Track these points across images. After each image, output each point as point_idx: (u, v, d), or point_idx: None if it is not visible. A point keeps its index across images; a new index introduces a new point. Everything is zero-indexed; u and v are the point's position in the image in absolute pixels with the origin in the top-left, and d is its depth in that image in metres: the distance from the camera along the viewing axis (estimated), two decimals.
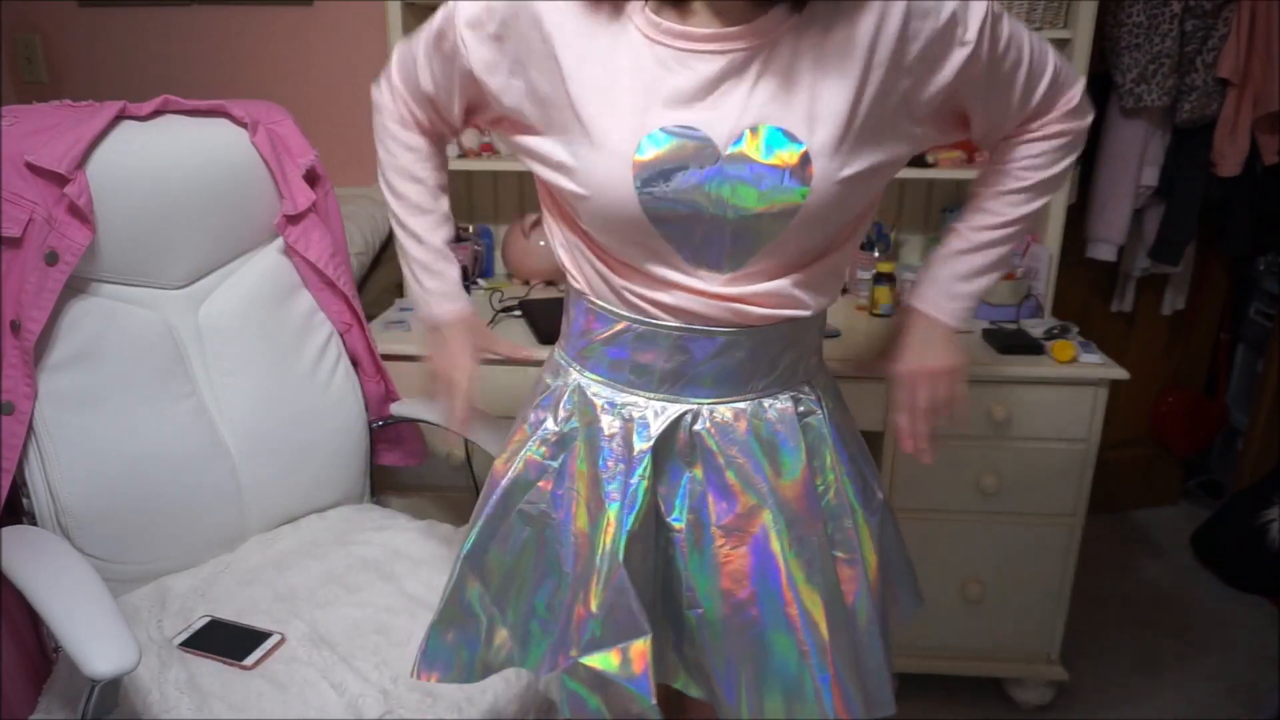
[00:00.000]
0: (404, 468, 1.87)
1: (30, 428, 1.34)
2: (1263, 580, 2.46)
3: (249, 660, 1.25)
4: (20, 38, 2.40)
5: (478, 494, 1.86)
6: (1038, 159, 1.03)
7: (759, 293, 0.95)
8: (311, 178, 1.64)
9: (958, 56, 0.89)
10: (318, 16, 2.34)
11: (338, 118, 2.37)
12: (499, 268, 2.30)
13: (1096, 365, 1.76)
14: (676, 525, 1.01)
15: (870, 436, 1.85)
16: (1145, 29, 2.10)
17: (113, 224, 1.41)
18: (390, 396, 1.76)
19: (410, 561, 1.48)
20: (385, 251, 2.30)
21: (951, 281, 1.07)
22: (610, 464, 1.00)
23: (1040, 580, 1.90)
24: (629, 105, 0.87)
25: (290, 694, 1.20)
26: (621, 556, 0.97)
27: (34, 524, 1.36)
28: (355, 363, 1.71)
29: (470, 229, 2.24)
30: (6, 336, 1.32)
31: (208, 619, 1.34)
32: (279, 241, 1.63)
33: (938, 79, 0.90)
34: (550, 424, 1.05)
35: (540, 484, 1.05)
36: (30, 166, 1.34)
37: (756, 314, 0.96)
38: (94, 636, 1.05)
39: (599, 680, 0.98)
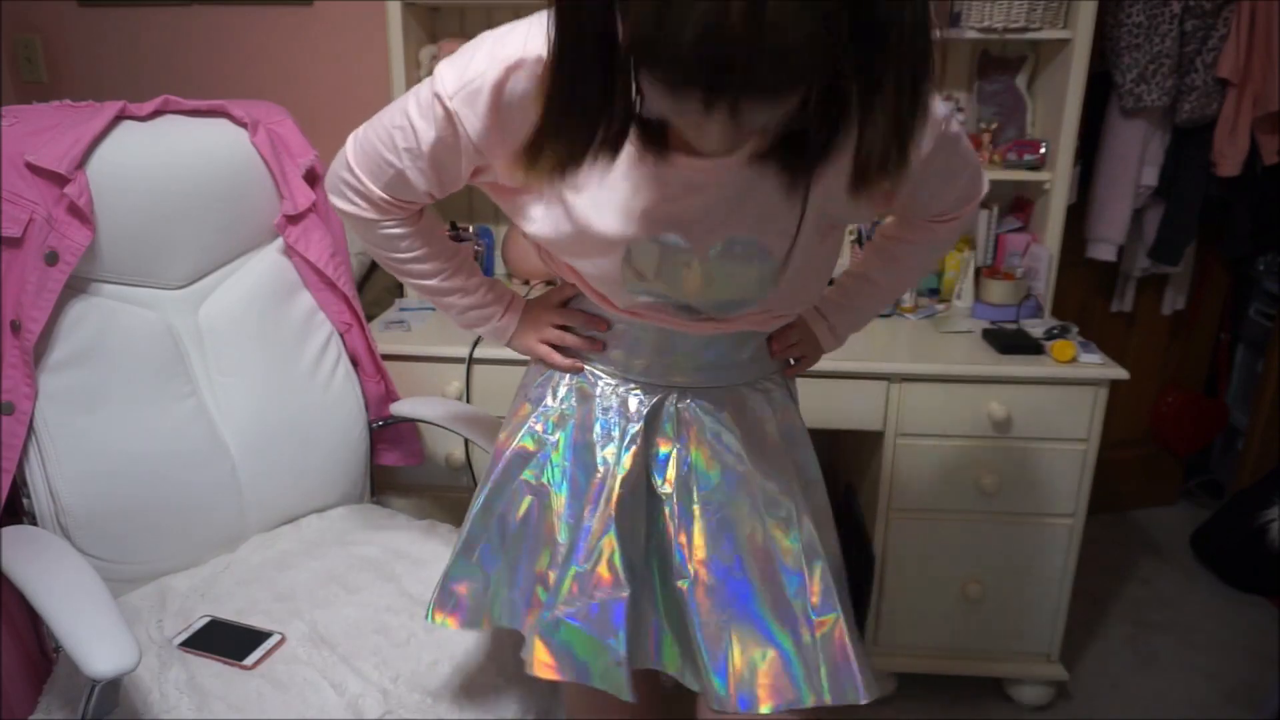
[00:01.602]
0: (404, 468, 1.87)
1: (30, 428, 1.34)
2: (1262, 580, 2.46)
3: (249, 660, 1.25)
4: (20, 38, 2.40)
5: None
6: (929, 251, 1.20)
7: (732, 327, 1.07)
8: (311, 178, 1.64)
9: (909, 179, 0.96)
10: (318, 16, 2.34)
11: (338, 118, 2.36)
12: (499, 267, 2.30)
13: (1096, 365, 1.76)
14: (664, 493, 1.09)
15: (870, 436, 1.86)
16: (1145, 29, 2.10)
17: (113, 224, 1.41)
18: (390, 396, 1.76)
19: (410, 561, 1.48)
20: None
21: (835, 325, 1.24)
22: (604, 433, 1.10)
23: (1040, 580, 1.90)
24: (621, 213, 0.94)
25: (290, 694, 1.20)
26: (613, 514, 1.06)
27: (34, 524, 1.36)
28: (355, 363, 1.71)
29: (470, 229, 2.24)
30: (6, 336, 1.32)
31: (208, 619, 1.34)
32: (279, 241, 1.63)
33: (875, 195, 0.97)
34: (550, 401, 1.14)
35: (539, 456, 1.12)
36: (30, 166, 1.34)
37: (736, 331, 1.09)
38: (94, 636, 1.05)
39: (572, 635, 1.05)
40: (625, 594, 1.05)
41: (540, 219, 0.98)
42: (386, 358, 1.77)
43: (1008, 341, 1.84)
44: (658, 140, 0.88)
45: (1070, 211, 2.06)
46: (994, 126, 2.08)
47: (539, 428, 1.13)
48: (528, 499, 1.12)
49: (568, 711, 1.35)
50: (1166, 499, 2.90)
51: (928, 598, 1.91)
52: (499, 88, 0.90)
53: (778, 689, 1.06)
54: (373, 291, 2.16)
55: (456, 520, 1.70)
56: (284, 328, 1.61)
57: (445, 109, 0.93)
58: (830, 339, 1.23)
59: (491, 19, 2.14)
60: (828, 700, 1.06)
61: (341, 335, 1.69)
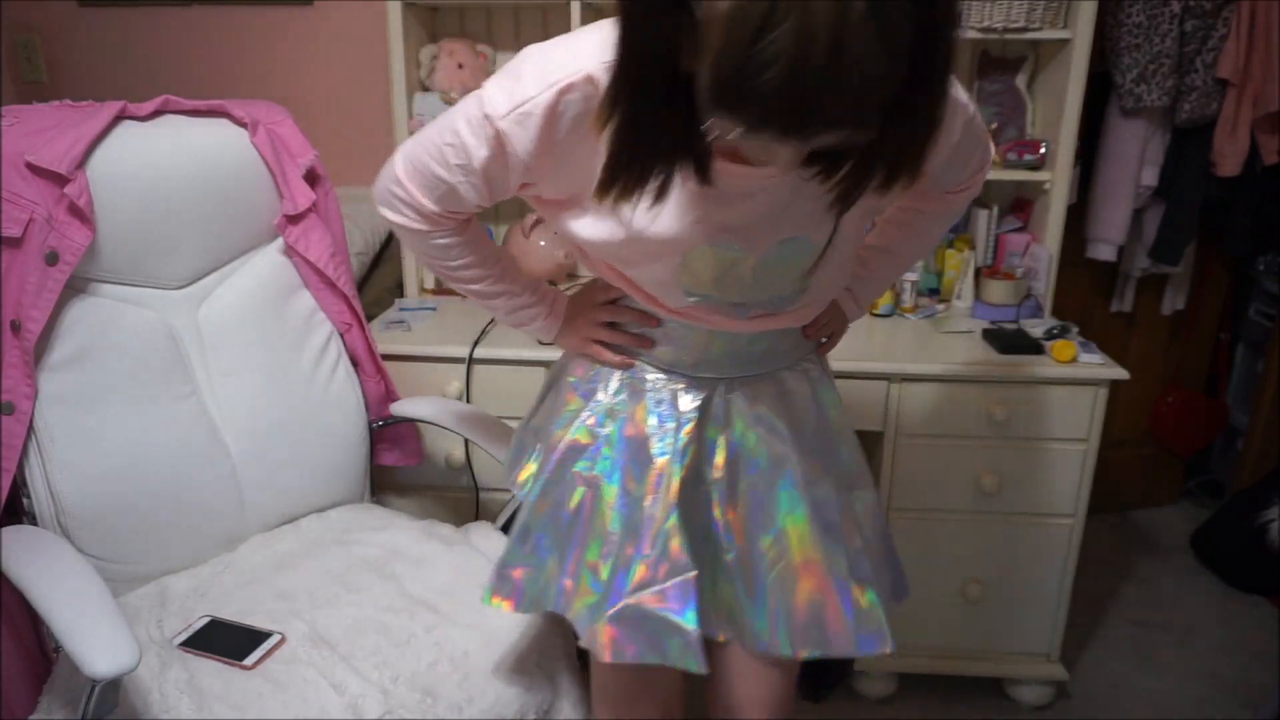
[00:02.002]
0: (404, 468, 1.87)
1: (30, 428, 1.34)
2: (1262, 580, 2.46)
3: (249, 660, 1.25)
4: (20, 38, 2.40)
5: (478, 494, 1.89)
6: (943, 219, 1.25)
7: (775, 324, 1.12)
8: (311, 178, 1.64)
9: (941, 155, 1.03)
10: (318, 16, 2.34)
11: (338, 118, 2.37)
12: None
13: (1096, 365, 1.76)
14: (714, 477, 1.14)
15: (870, 436, 1.86)
16: (1145, 29, 2.10)
17: (113, 224, 1.41)
18: (390, 396, 1.76)
19: (410, 561, 1.48)
20: (385, 251, 2.30)
21: (858, 296, 1.30)
22: (659, 425, 1.13)
23: (1040, 580, 1.90)
24: (679, 224, 0.96)
25: (290, 694, 1.20)
26: (675, 499, 1.09)
27: (34, 524, 1.36)
28: (355, 363, 1.71)
29: None
30: (6, 336, 1.32)
31: (208, 619, 1.34)
32: (279, 241, 1.63)
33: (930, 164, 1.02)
34: (601, 396, 1.16)
35: (592, 449, 1.15)
36: (30, 166, 1.34)
37: (776, 329, 1.13)
38: (94, 636, 1.06)
39: (645, 618, 1.09)
40: (693, 573, 1.09)
41: (591, 227, 1.00)
42: (386, 358, 1.77)
43: (1008, 341, 1.84)
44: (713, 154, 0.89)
45: (1070, 211, 2.05)
46: (994, 126, 2.08)
47: (591, 421, 1.16)
48: (580, 490, 1.15)
49: (596, 708, 1.34)
50: (1166, 499, 2.90)
51: (928, 598, 1.91)
52: (551, 111, 0.91)
53: (809, 637, 1.14)
54: (373, 291, 2.16)
55: (457, 520, 1.71)
56: (284, 328, 1.61)
57: (496, 129, 0.94)
58: (854, 308, 1.28)
59: (491, 19, 2.14)
60: (856, 652, 1.14)
61: (341, 335, 1.69)
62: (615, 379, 1.16)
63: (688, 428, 1.12)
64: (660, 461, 1.12)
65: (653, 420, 1.13)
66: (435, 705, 1.22)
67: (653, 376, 1.15)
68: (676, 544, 1.09)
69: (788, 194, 0.95)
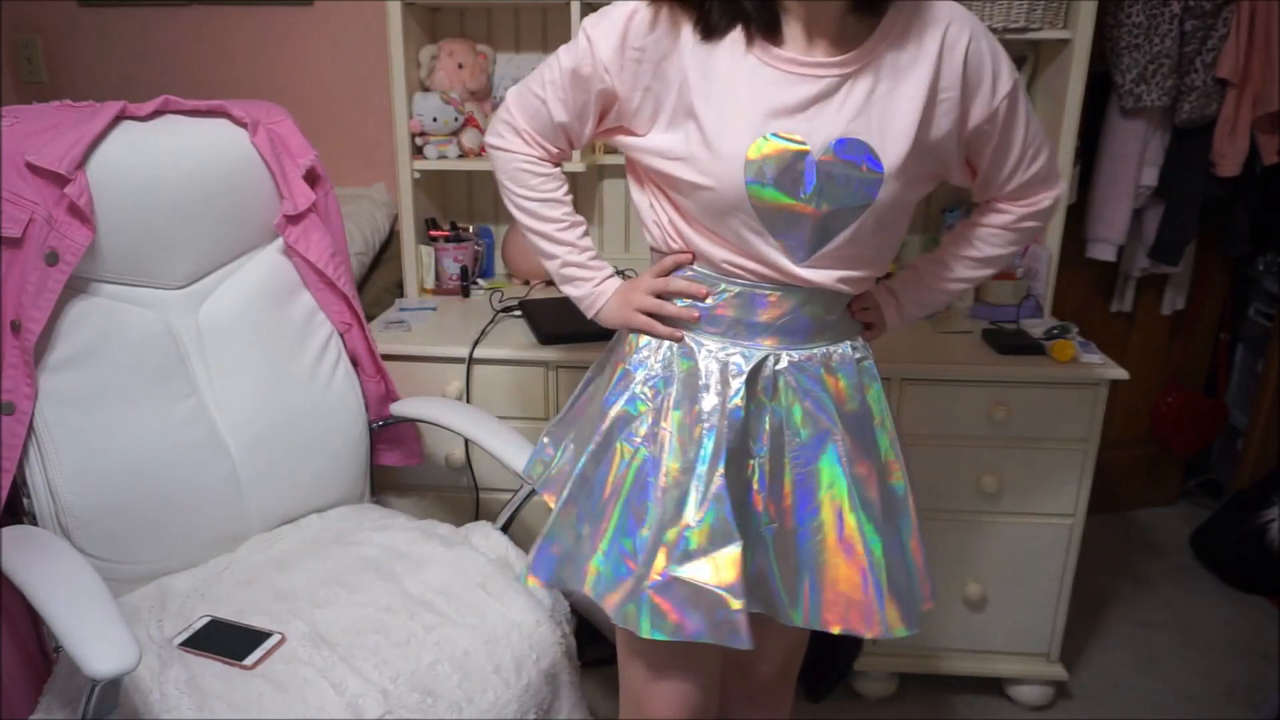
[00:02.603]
0: (404, 468, 1.87)
1: (30, 428, 1.34)
2: (1262, 580, 2.46)
3: (249, 660, 1.25)
4: (20, 38, 2.41)
5: (477, 494, 1.89)
6: (998, 235, 1.27)
7: (825, 277, 1.15)
8: (311, 178, 1.64)
9: (981, 109, 1.13)
10: (318, 16, 2.34)
11: (338, 118, 2.37)
12: (499, 268, 2.30)
13: (1096, 365, 1.76)
14: (760, 455, 1.16)
15: None
16: (1145, 29, 2.10)
17: (113, 224, 1.41)
18: (390, 396, 1.76)
19: (410, 561, 1.48)
20: (385, 251, 2.30)
21: (902, 303, 1.32)
22: (708, 396, 1.15)
23: (1040, 580, 1.90)
24: (744, 114, 1.07)
25: (290, 694, 1.20)
26: (721, 468, 1.11)
27: (34, 524, 1.36)
28: (355, 363, 1.71)
29: (470, 229, 2.24)
30: (6, 336, 1.32)
31: (208, 619, 1.34)
32: (279, 241, 1.63)
33: (967, 121, 1.13)
34: (653, 368, 1.20)
35: (639, 419, 1.18)
36: (30, 166, 1.34)
37: (825, 287, 1.16)
38: (94, 636, 1.06)
39: (690, 591, 1.10)
40: (738, 545, 1.10)
41: (667, 143, 1.11)
42: (386, 358, 1.77)
43: (1008, 341, 1.84)
44: (773, 30, 1.07)
45: (1070, 211, 2.06)
46: None
47: (644, 392, 1.18)
48: (625, 461, 1.18)
49: (626, 688, 1.30)
50: (1166, 499, 2.90)
51: None
52: (628, 18, 1.09)
53: (844, 616, 1.17)
54: (373, 291, 2.16)
55: (457, 520, 1.71)
56: (284, 328, 1.61)
57: (586, 36, 1.12)
58: (895, 317, 1.31)
59: (492, 19, 2.14)
60: (896, 631, 1.17)
61: (341, 335, 1.69)
62: (665, 350, 1.19)
63: (737, 399, 1.14)
64: (707, 432, 1.13)
65: (703, 392, 1.15)
66: (435, 705, 1.22)
67: (704, 349, 1.17)
68: (721, 515, 1.11)
69: (845, 89, 1.07)
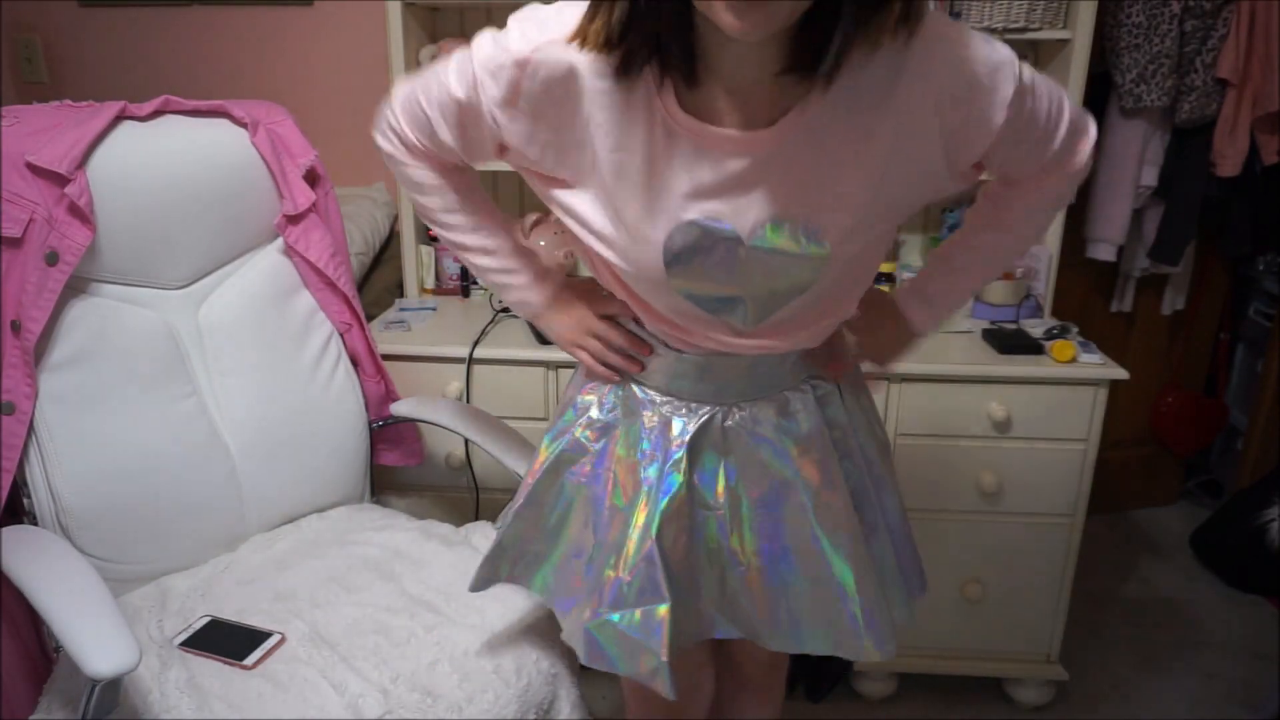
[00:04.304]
0: (404, 468, 1.87)
1: (30, 428, 1.34)
2: (1263, 580, 2.46)
3: (249, 660, 1.25)
4: (20, 38, 2.41)
5: (477, 494, 1.89)
6: (1035, 212, 1.10)
7: (776, 344, 1.05)
8: (311, 178, 1.64)
9: (984, 138, 0.91)
10: (318, 16, 2.34)
11: (338, 118, 2.37)
12: None
13: (1096, 365, 1.76)
14: (717, 509, 1.11)
15: None
16: (1145, 29, 2.10)
17: (113, 224, 1.41)
18: (390, 396, 1.76)
19: (410, 561, 1.48)
20: (385, 251, 2.30)
21: (930, 294, 1.17)
22: (649, 452, 1.10)
23: (1040, 580, 1.90)
24: (659, 196, 0.92)
25: (290, 694, 1.20)
26: (655, 532, 1.07)
27: (34, 524, 1.36)
28: (355, 363, 1.71)
29: None
30: (7, 336, 1.32)
31: (208, 619, 1.34)
32: (279, 241, 1.63)
33: (964, 156, 0.93)
34: (595, 411, 1.15)
35: (582, 461, 1.15)
36: (30, 166, 1.34)
37: (778, 350, 1.07)
38: (94, 636, 1.05)
39: (619, 635, 1.10)
40: (666, 605, 1.07)
41: (578, 205, 0.98)
42: (386, 358, 1.77)
43: (1008, 341, 1.84)
44: (691, 69, 0.87)
45: (1070, 211, 2.05)
46: None
47: (583, 435, 1.14)
48: (569, 499, 1.16)
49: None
50: (1166, 499, 2.90)
51: (928, 598, 1.90)
52: (522, 64, 0.90)
53: (816, 638, 1.15)
54: (373, 291, 2.16)
55: (456, 520, 1.71)
56: (284, 327, 1.61)
57: (473, 73, 0.94)
58: (924, 313, 1.16)
59: (492, 19, 2.14)
60: (860, 656, 1.13)
61: (341, 335, 1.69)
62: (610, 394, 1.14)
63: (675, 460, 1.08)
64: (646, 487, 1.09)
65: (644, 445, 1.10)
66: (435, 705, 1.22)
67: (647, 398, 1.11)
68: (649, 575, 1.07)
69: (779, 164, 0.89)
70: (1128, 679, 2.15)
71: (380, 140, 1.11)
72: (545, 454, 1.17)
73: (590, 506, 1.15)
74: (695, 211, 0.92)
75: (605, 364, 1.13)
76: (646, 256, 0.95)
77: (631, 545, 1.09)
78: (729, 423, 1.09)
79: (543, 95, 0.90)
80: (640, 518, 1.09)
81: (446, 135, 1.02)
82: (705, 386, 1.09)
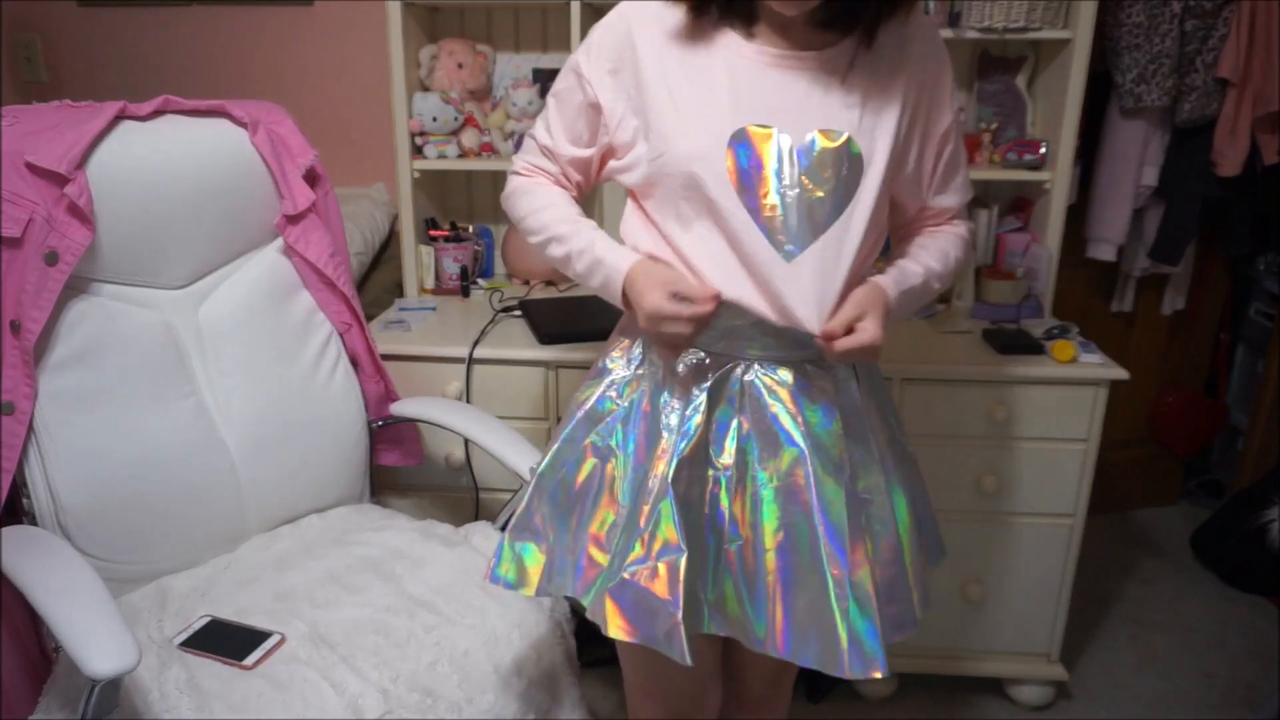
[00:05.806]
0: (404, 468, 1.87)
1: (30, 428, 1.34)
2: (1263, 580, 2.46)
3: (249, 660, 1.25)
4: (20, 38, 2.41)
5: (477, 494, 1.89)
6: (949, 241, 1.25)
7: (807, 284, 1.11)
8: (311, 178, 1.64)
9: (943, 123, 1.17)
10: (318, 16, 2.35)
11: (338, 118, 2.37)
12: (499, 268, 2.30)
13: (1096, 365, 1.76)
14: (723, 464, 1.14)
15: None
16: (1145, 29, 2.10)
17: (113, 224, 1.41)
18: (390, 396, 1.76)
19: (410, 561, 1.48)
20: (385, 251, 2.30)
21: (899, 281, 1.22)
22: (670, 401, 1.15)
23: (1040, 580, 1.90)
24: (723, 108, 1.09)
25: (290, 694, 1.20)
26: (670, 477, 1.10)
27: (34, 524, 1.36)
28: (355, 363, 1.71)
29: (470, 229, 2.24)
30: (6, 336, 1.32)
31: (208, 619, 1.34)
32: (279, 241, 1.63)
33: (931, 129, 1.17)
34: (622, 369, 1.21)
35: (609, 420, 1.19)
36: (30, 166, 1.34)
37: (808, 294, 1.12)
38: (94, 636, 1.06)
39: (638, 596, 1.10)
40: (684, 555, 1.09)
41: (646, 153, 1.12)
42: (386, 358, 1.77)
43: (1008, 341, 1.84)
44: (748, 16, 1.09)
45: (1070, 211, 2.05)
46: (994, 126, 2.08)
47: (611, 393, 1.20)
48: (591, 461, 1.19)
49: (626, 680, 1.35)
50: (1166, 499, 2.90)
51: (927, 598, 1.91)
52: (604, 30, 1.14)
53: (805, 649, 1.11)
54: (373, 291, 2.16)
55: (457, 520, 1.71)
56: (284, 328, 1.61)
57: (576, 60, 1.17)
58: (893, 289, 1.20)
59: (492, 19, 2.14)
60: (844, 673, 1.09)
61: (341, 335, 1.69)
62: (639, 350, 1.19)
63: (695, 404, 1.13)
64: (665, 440, 1.13)
65: (665, 394, 1.15)
66: (435, 705, 1.22)
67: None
68: (669, 525, 1.10)
69: (820, 80, 1.09)
70: (1128, 679, 2.15)
71: (510, 178, 1.28)
72: (574, 413, 1.21)
73: (618, 471, 1.17)
74: (752, 119, 1.08)
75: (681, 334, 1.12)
76: (713, 155, 1.07)
77: (649, 494, 1.12)
78: (748, 377, 1.14)
79: (618, 49, 1.13)
80: (659, 465, 1.13)
81: (561, 139, 1.20)
82: (733, 332, 1.13)
